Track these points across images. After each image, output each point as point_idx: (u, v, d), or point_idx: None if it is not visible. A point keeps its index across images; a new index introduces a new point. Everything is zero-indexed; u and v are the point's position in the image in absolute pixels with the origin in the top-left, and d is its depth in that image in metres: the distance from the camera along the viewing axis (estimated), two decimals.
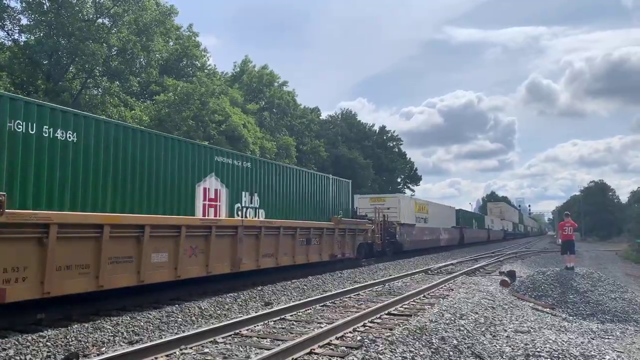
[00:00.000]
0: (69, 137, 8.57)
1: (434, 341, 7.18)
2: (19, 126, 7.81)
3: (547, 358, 7.24)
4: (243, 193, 13.37)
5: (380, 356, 6.18)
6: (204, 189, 11.88)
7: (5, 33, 25.74)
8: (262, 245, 13.52)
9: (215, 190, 12.30)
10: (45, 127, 8.18)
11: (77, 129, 8.73)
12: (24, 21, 25.35)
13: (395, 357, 6.24)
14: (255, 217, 13.75)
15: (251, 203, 13.67)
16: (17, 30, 25.54)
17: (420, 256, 27.36)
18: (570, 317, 11.63)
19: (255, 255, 13.31)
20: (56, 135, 8.36)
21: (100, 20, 26.38)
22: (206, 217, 11.71)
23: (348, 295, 11.57)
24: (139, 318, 8.60)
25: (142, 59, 28.76)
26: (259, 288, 12.65)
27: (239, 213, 13.14)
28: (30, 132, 7.97)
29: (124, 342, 7.24)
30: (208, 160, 12.07)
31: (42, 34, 24.82)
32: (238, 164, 13.25)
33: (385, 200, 26.92)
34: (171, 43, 34.65)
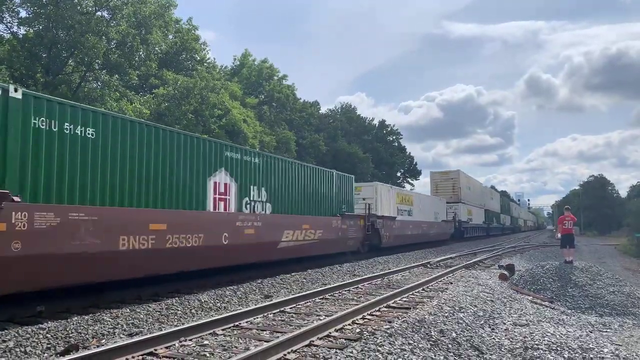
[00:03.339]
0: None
1: (432, 334, 7.19)
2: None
3: (546, 351, 7.27)
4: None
5: (379, 348, 6.20)
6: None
7: (4, 26, 25.67)
8: None
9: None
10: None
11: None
12: (23, 14, 25.27)
13: (394, 349, 6.26)
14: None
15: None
16: (15, 23, 25.46)
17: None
18: (569, 311, 11.68)
19: None
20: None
21: (99, 13, 26.27)
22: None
23: (347, 289, 11.59)
24: (138, 310, 8.62)
25: (141, 52, 28.66)
26: (259, 281, 12.68)
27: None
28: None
29: (123, 334, 7.26)
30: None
31: (41, 27, 24.72)
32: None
33: None
34: (170, 36, 34.52)
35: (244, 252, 13.07)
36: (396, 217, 25.33)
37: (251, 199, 13.52)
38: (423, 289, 11.78)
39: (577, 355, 7.28)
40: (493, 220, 56.92)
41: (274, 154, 18.40)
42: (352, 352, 5.99)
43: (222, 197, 12.36)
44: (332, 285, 11.61)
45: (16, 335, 6.73)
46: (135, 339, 6.29)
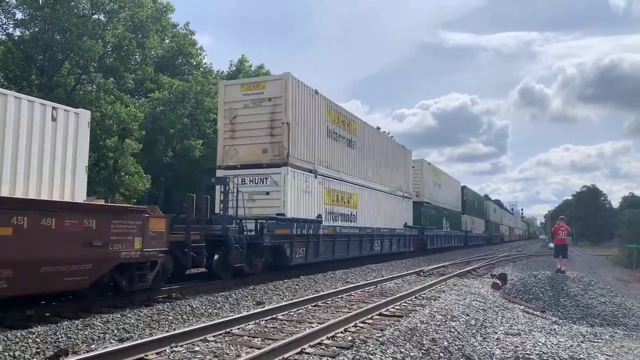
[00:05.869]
0: None
1: (424, 342, 7.19)
2: None
3: None
4: None
5: (371, 356, 6.18)
6: None
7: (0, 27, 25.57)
8: None
9: None
10: None
11: None
12: (19, 15, 25.19)
13: (386, 357, 6.25)
14: None
15: None
16: (11, 25, 25.37)
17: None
18: (561, 320, 11.71)
19: None
20: None
21: (95, 16, 26.23)
22: None
23: (340, 296, 11.57)
24: (129, 315, 8.57)
25: (137, 56, 28.63)
26: (251, 287, 12.63)
27: None
28: None
29: (114, 339, 7.21)
30: None
31: (36, 29, 24.65)
32: None
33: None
34: (167, 41, 34.52)
35: None
36: None
37: None
38: (415, 297, 11.78)
39: None
40: (442, 223, 34.10)
41: None
42: None
43: None
44: (324, 293, 11.58)
45: (5, 339, 6.66)
46: (126, 344, 6.25)
